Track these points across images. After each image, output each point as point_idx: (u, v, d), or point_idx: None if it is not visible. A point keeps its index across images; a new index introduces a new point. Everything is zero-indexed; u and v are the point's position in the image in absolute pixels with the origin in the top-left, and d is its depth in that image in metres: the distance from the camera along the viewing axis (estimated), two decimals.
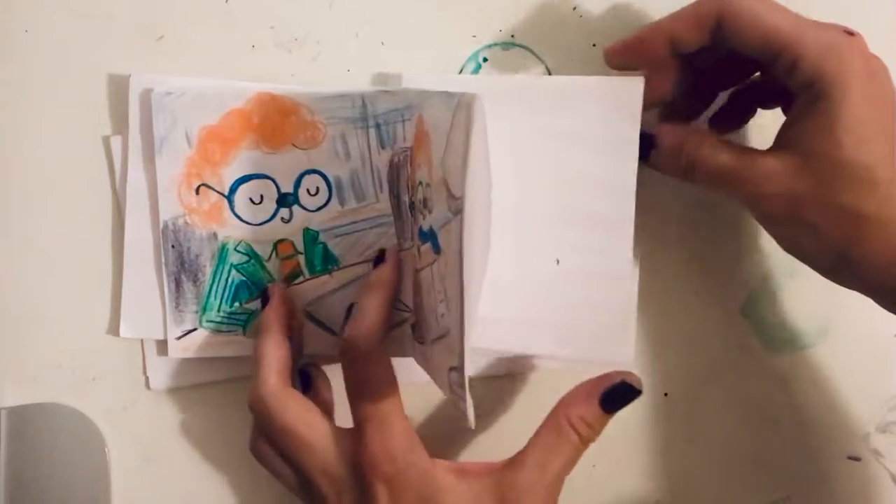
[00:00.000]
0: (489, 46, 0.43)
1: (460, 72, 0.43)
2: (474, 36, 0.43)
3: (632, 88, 0.36)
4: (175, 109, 0.40)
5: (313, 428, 0.36)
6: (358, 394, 0.36)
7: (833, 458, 0.45)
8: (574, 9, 0.43)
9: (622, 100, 0.36)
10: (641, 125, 0.39)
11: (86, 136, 0.41)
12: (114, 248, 0.42)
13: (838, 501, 0.45)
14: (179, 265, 0.41)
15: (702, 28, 0.36)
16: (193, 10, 0.42)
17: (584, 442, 0.36)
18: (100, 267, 0.42)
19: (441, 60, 0.43)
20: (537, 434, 0.37)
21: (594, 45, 0.43)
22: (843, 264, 0.36)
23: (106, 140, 0.41)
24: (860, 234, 0.34)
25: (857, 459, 0.45)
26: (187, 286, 0.41)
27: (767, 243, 0.44)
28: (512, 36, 0.43)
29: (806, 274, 0.44)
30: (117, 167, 0.41)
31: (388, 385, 0.36)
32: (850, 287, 0.37)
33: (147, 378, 0.42)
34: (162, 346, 0.42)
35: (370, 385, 0.36)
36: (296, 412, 0.36)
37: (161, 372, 0.42)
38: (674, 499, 0.45)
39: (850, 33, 0.35)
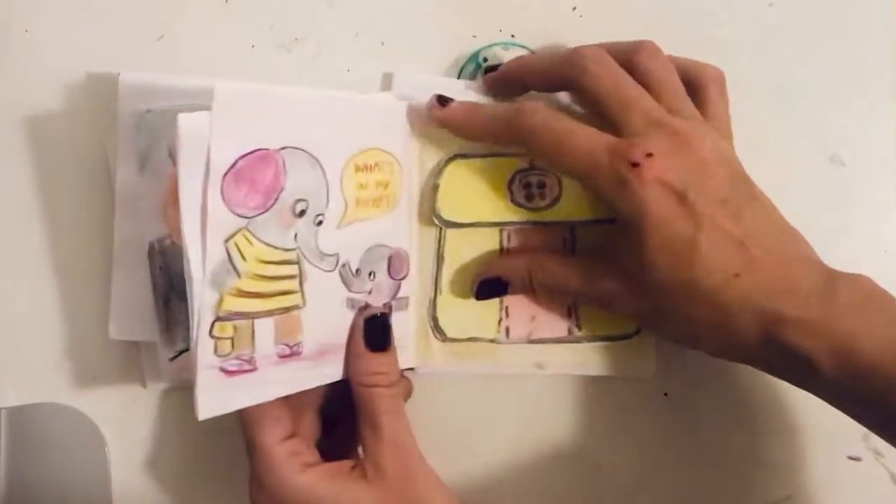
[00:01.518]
0: (489, 46, 0.43)
1: (460, 71, 0.43)
2: (474, 36, 0.43)
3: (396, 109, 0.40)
4: (156, 127, 0.38)
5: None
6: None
7: (833, 458, 0.45)
8: (574, 9, 0.43)
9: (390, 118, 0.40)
10: (486, 270, 0.41)
11: (85, 136, 0.41)
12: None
13: (838, 501, 0.45)
14: (168, 286, 0.39)
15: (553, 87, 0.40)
16: (193, 10, 0.42)
17: (389, 385, 0.38)
18: (100, 267, 0.42)
19: (441, 60, 0.43)
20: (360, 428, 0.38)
21: None
22: (691, 348, 0.39)
23: (105, 140, 0.41)
24: (699, 336, 0.37)
25: (857, 459, 0.45)
26: (176, 304, 0.39)
27: None
28: (512, 36, 0.43)
29: None
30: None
31: (259, 414, 0.37)
32: None
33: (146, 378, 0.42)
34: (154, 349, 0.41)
35: (246, 418, 0.37)
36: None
37: (158, 375, 0.42)
38: (674, 499, 0.45)
39: (635, 163, 0.35)
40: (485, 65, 0.42)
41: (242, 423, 0.37)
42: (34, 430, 0.42)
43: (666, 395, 0.45)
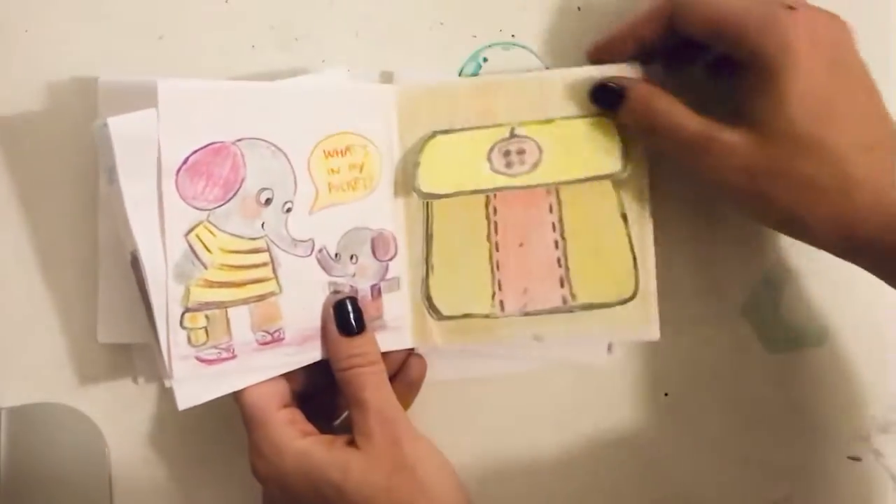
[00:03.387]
0: (489, 46, 0.43)
1: (460, 71, 0.43)
2: (474, 36, 0.43)
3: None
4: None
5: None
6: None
7: (833, 458, 0.45)
8: (579, 9, 0.43)
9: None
10: (612, 79, 0.40)
11: (85, 137, 0.41)
12: None
13: (838, 501, 0.45)
14: None
15: (658, 23, 0.38)
16: (193, 10, 0.42)
17: (369, 364, 0.38)
18: (96, 267, 0.42)
19: (441, 60, 0.43)
20: (350, 412, 0.38)
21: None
22: (795, 225, 0.37)
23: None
24: (813, 201, 0.35)
25: (857, 459, 0.45)
26: None
27: (768, 244, 0.44)
28: (512, 36, 0.43)
29: (806, 274, 0.45)
30: None
31: (256, 385, 0.38)
32: (802, 241, 0.38)
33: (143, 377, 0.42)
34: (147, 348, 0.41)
35: (242, 389, 0.38)
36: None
37: (150, 371, 0.42)
38: (674, 499, 0.45)
39: (792, 7, 0.35)
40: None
41: (238, 397, 0.38)
42: (34, 430, 0.42)
43: (666, 395, 0.45)
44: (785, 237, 0.44)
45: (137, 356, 0.42)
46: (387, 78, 0.42)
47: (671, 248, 0.44)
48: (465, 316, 0.42)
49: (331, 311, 0.39)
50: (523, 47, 0.43)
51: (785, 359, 0.45)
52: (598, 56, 0.41)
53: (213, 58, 0.42)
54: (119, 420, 0.43)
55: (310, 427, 0.38)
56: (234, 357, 0.37)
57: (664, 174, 0.42)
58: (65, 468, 0.42)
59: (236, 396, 0.38)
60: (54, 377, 0.42)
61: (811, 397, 0.45)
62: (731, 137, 0.36)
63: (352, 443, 0.37)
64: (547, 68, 0.43)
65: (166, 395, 0.43)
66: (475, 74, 0.43)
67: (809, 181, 0.35)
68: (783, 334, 0.45)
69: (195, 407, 0.42)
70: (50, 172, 0.42)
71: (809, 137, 0.35)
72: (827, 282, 0.45)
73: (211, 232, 0.37)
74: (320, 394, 0.41)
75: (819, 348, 0.45)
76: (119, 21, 0.41)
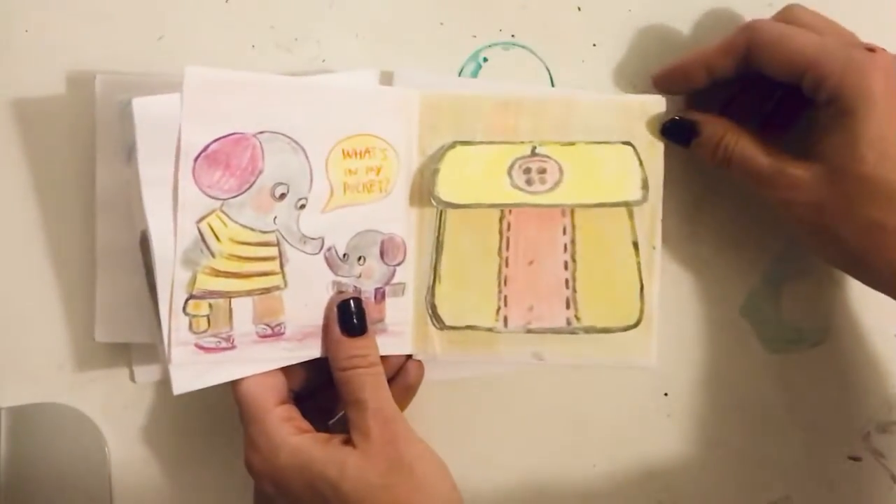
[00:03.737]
0: (489, 46, 0.43)
1: (460, 72, 0.43)
2: (474, 36, 0.43)
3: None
4: None
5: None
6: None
7: (833, 458, 0.45)
8: (579, 9, 0.43)
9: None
10: (683, 113, 0.41)
11: (85, 136, 0.41)
12: None
13: (838, 501, 0.45)
14: None
15: (733, 57, 0.38)
16: (193, 10, 0.42)
17: (369, 366, 0.38)
18: (97, 267, 0.42)
19: (441, 60, 0.43)
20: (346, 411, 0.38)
21: (594, 45, 0.43)
22: (862, 267, 0.38)
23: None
24: (880, 244, 0.36)
25: (857, 459, 0.45)
26: None
27: (768, 244, 0.44)
28: (512, 36, 0.43)
29: (806, 274, 0.45)
30: None
31: (254, 380, 0.38)
32: (867, 284, 0.39)
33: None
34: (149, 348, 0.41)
35: (240, 384, 0.38)
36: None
37: (147, 369, 0.42)
38: (674, 499, 0.45)
39: (872, 49, 0.36)
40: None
41: (236, 390, 0.38)
42: (34, 430, 0.42)
43: (666, 395, 0.45)
44: (784, 238, 0.44)
45: (136, 356, 0.42)
46: (387, 78, 0.42)
47: (671, 248, 0.44)
48: (468, 328, 0.42)
49: (334, 310, 0.39)
50: (523, 47, 0.43)
51: (785, 359, 0.45)
52: (665, 83, 0.41)
53: (213, 58, 0.42)
54: (119, 420, 0.43)
55: (306, 424, 0.38)
56: (233, 347, 0.38)
57: (665, 175, 0.42)
58: (65, 468, 0.42)
59: (234, 390, 0.38)
60: (54, 377, 0.42)
61: (811, 397, 0.45)
62: (800, 172, 0.37)
63: (348, 441, 0.37)
64: (547, 68, 0.43)
65: (166, 395, 0.43)
66: (475, 75, 0.43)
67: (877, 224, 0.36)
68: (783, 334, 0.45)
69: (195, 407, 0.43)
70: (48, 172, 0.42)
71: (879, 179, 0.35)
72: (827, 282, 0.45)
73: (223, 221, 0.37)
74: (316, 394, 0.41)
75: (819, 348, 0.45)
76: (119, 21, 0.41)
